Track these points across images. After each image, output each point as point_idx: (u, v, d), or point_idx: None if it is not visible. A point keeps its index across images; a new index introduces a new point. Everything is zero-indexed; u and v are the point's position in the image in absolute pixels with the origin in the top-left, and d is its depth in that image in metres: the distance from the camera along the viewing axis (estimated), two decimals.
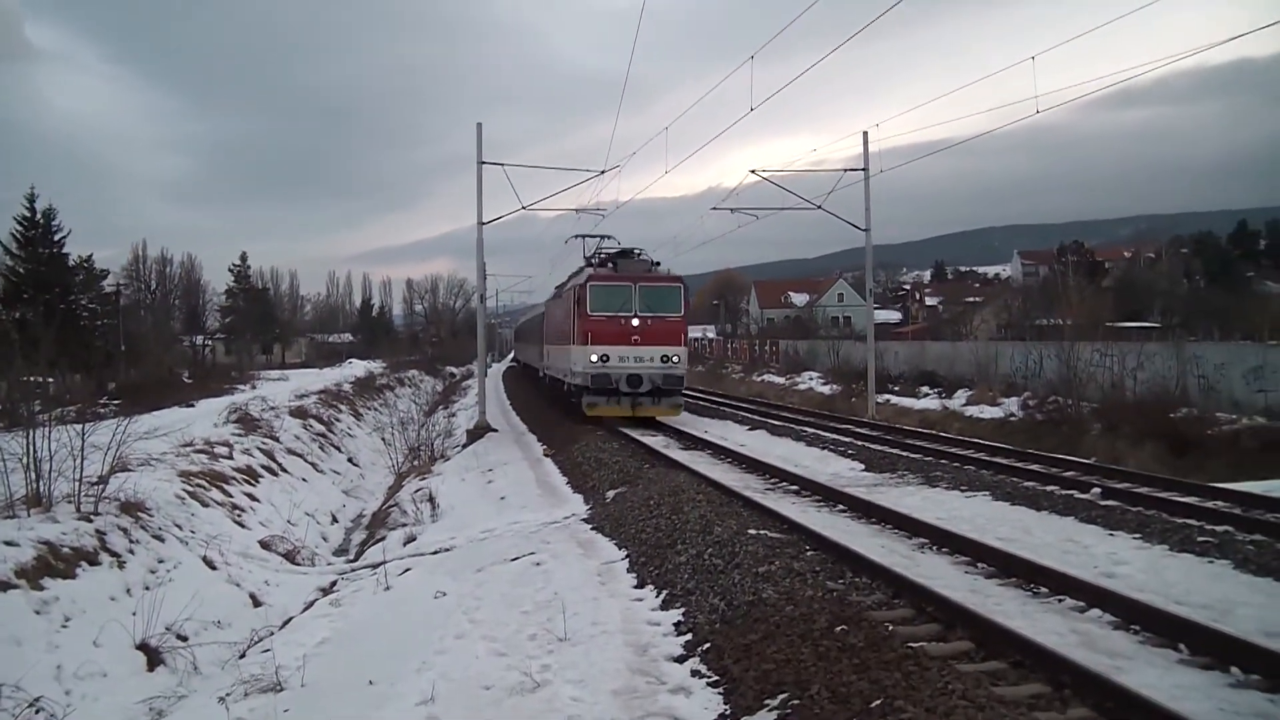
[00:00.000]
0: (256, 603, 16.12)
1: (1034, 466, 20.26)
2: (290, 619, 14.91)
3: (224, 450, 25.74)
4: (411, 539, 19.75)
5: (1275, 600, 10.22)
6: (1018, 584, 11.04)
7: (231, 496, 22.15)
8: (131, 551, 15.26)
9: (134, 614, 13.19)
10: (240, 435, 29.22)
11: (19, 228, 64.74)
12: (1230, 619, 9.36)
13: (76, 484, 15.93)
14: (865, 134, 36.29)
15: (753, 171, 36.33)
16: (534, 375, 56.09)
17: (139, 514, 16.55)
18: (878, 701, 7.39)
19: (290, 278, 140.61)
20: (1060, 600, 10.33)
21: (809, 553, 12.42)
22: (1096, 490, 16.55)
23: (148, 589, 14.36)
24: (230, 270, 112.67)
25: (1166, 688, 7.56)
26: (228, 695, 10.71)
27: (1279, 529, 13.21)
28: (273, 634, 13.70)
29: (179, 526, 17.43)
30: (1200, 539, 12.89)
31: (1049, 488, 17.46)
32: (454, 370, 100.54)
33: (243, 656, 12.97)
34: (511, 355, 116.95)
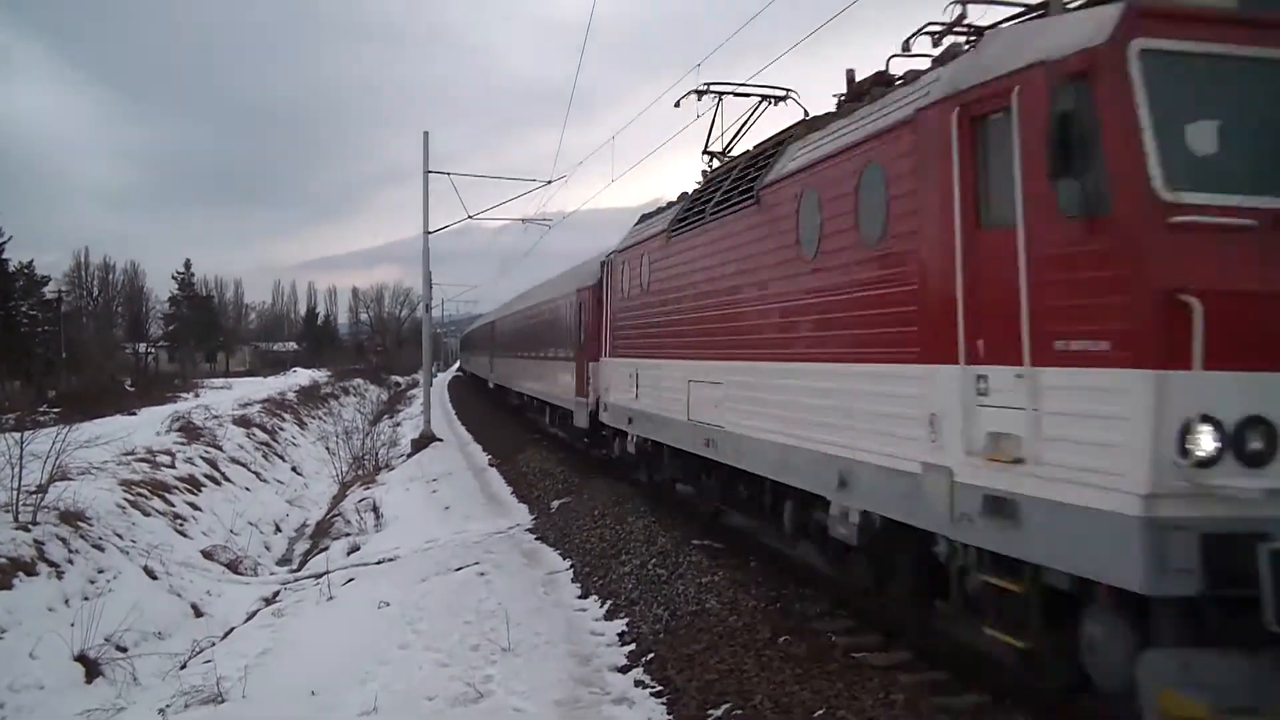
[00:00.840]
0: (198, 613, 15.89)
1: None
2: (232, 629, 14.70)
3: (166, 459, 25.32)
4: (355, 549, 19.56)
5: None
6: None
7: (173, 506, 21.81)
8: (70, 561, 14.97)
9: (72, 625, 12.94)
10: (183, 444, 28.76)
11: None
12: None
13: (14, 493, 15.62)
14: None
15: (699, 182, 36.38)
16: (482, 385, 54.99)
17: (78, 523, 16.24)
18: (821, 711, 7.45)
19: (235, 285, 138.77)
20: None
21: (752, 563, 12.49)
22: None
23: (87, 599, 14.10)
24: (174, 277, 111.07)
25: None
26: (168, 707, 10.55)
27: None
28: (214, 644, 13.53)
29: (119, 536, 17.12)
30: None
31: None
32: (399, 379, 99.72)
33: (184, 667, 12.77)
34: (458, 365, 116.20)
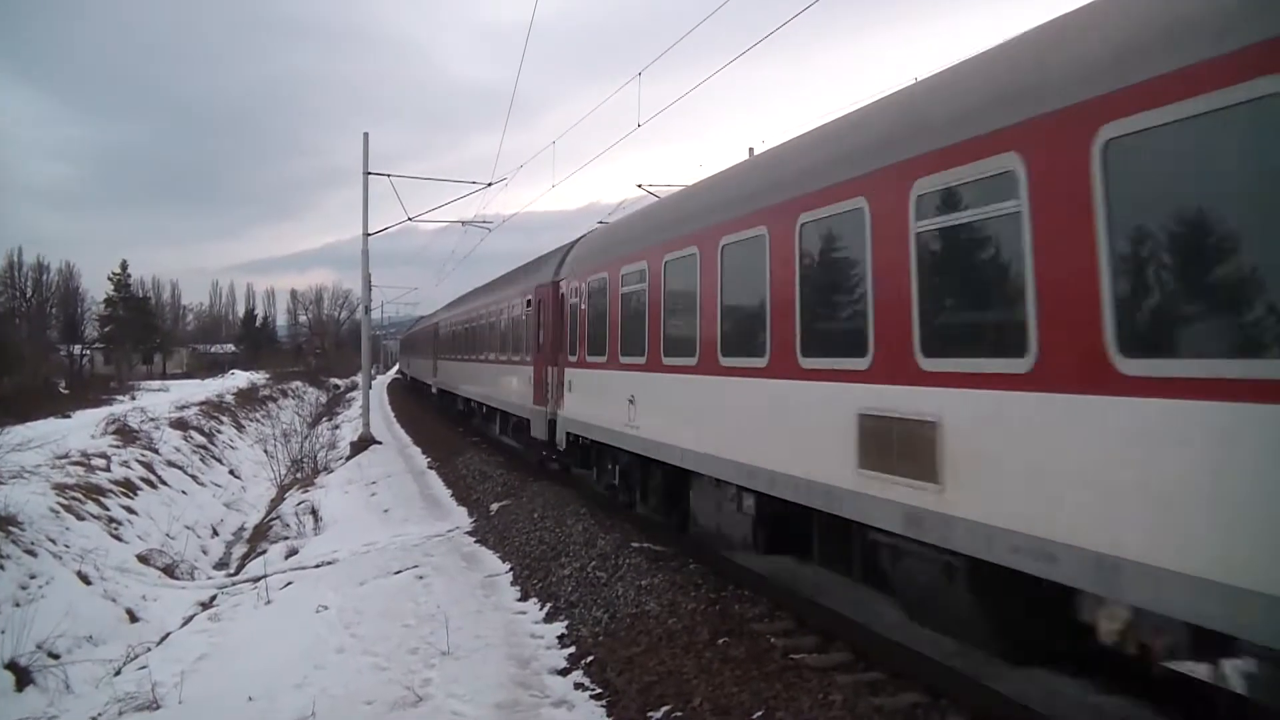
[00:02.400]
0: (133, 618, 15.54)
1: None
2: (168, 634, 14.40)
3: (101, 462, 24.79)
4: (293, 552, 19.27)
5: None
6: None
7: (108, 510, 21.34)
8: (1, 567, 14.59)
9: (3, 632, 12.61)
10: (118, 447, 28.18)
11: None
12: None
13: None
14: (750, 150, 36.60)
15: (639, 186, 36.37)
16: (424, 389, 54.18)
17: (10, 528, 15.84)
18: (759, 713, 7.45)
19: (172, 287, 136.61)
20: None
21: (692, 565, 12.48)
22: None
23: (18, 605, 13.74)
24: (110, 279, 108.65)
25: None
26: (101, 714, 10.32)
27: None
28: (150, 650, 13.25)
29: (53, 541, 16.73)
30: None
31: None
32: (338, 382, 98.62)
33: (118, 674, 12.48)
34: (396, 368, 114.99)
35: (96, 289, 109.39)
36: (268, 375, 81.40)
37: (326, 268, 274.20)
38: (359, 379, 46.67)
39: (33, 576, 14.93)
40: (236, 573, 19.93)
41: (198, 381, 75.29)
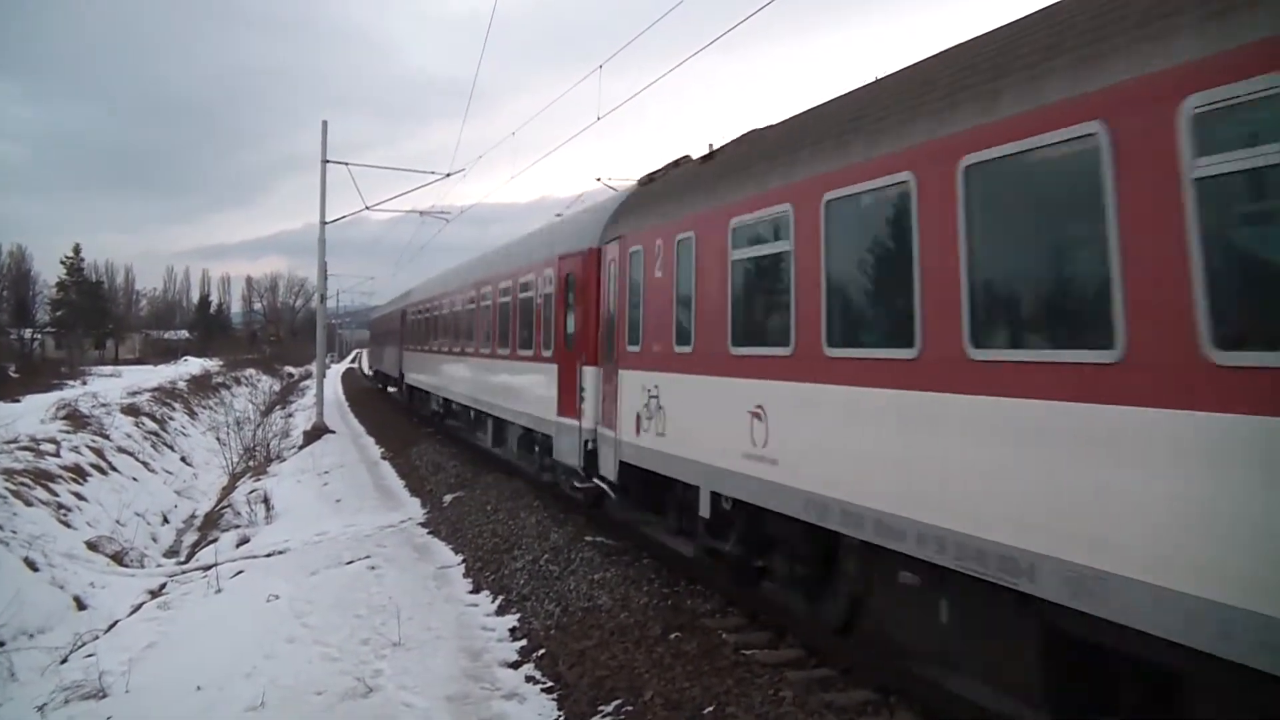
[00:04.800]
0: (81, 606, 15.19)
1: None
2: (116, 622, 14.09)
3: (50, 448, 24.29)
4: (245, 541, 19.00)
5: None
6: None
7: (57, 495, 20.90)
8: None
9: None
10: (69, 432, 27.63)
11: None
12: None
13: None
14: (710, 146, 36.44)
15: (598, 179, 36.13)
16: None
17: None
18: (710, 708, 7.42)
19: (126, 272, 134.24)
20: None
21: (645, 559, 12.44)
22: None
23: None
24: (63, 262, 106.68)
25: None
26: (46, 704, 10.07)
27: None
28: (97, 638, 12.96)
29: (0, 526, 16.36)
30: None
31: None
32: (292, 370, 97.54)
33: (64, 662, 12.18)
34: (352, 356, 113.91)
35: (49, 272, 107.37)
36: (221, 362, 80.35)
37: (279, 255, 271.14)
38: (314, 367, 46.02)
39: None
40: (187, 561, 19.61)
41: (150, 367, 74.10)
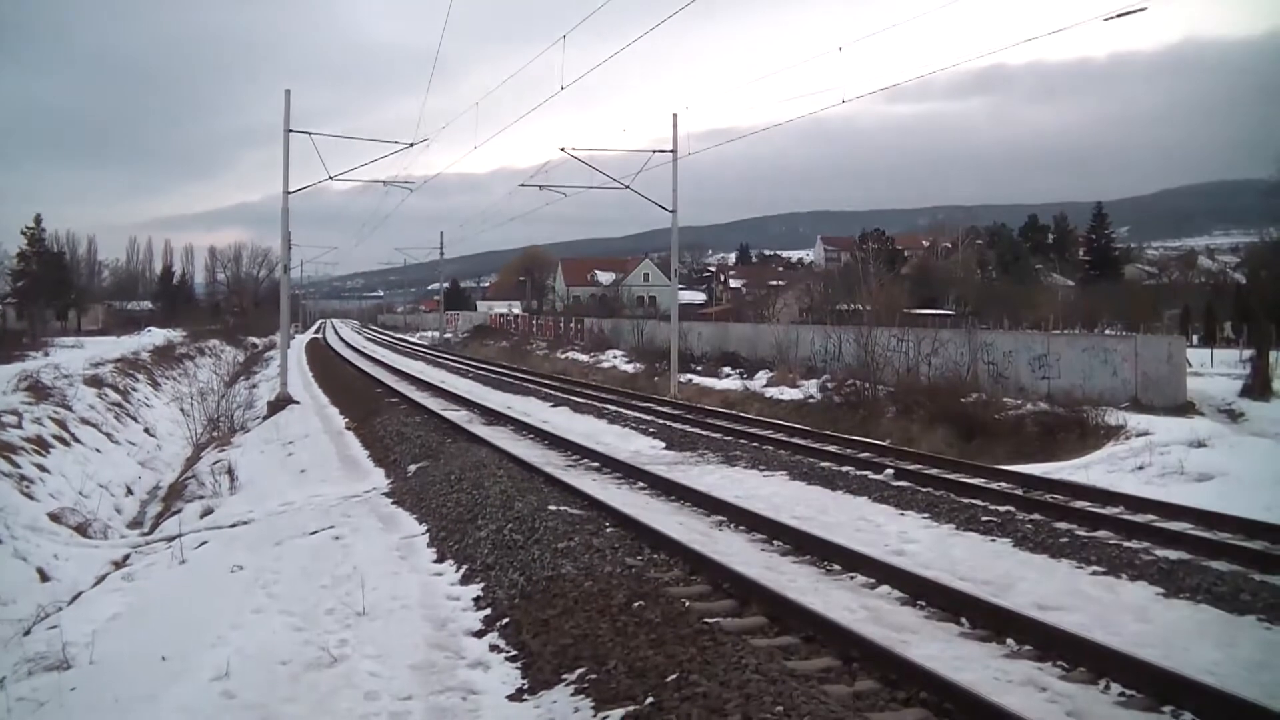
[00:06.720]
0: (44, 577, 15.05)
1: (831, 448, 20.29)
2: (80, 594, 13.95)
3: (12, 419, 23.92)
4: (209, 511, 18.85)
5: (1048, 576, 10.74)
6: (812, 561, 11.29)
7: (19, 467, 20.61)
8: None
9: None
10: (30, 404, 27.20)
11: None
12: (1009, 594, 9.85)
13: None
14: (675, 116, 35.99)
15: (562, 149, 35.84)
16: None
17: None
18: (673, 675, 7.46)
19: (88, 242, 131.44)
20: (852, 577, 10.60)
21: (608, 529, 12.45)
22: (889, 471, 16.79)
23: None
24: (23, 233, 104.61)
25: (948, 659, 7.92)
26: (8, 675, 9.97)
27: (1055, 509, 13.81)
28: (61, 610, 12.82)
29: None
30: (984, 518, 13.30)
31: (844, 468, 17.59)
32: (256, 341, 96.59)
33: (27, 634, 12.04)
34: (316, 327, 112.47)
35: (10, 242, 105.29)
36: (185, 333, 79.28)
37: (239, 226, 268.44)
38: (278, 338, 45.47)
39: None
40: (151, 532, 19.46)
41: (113, 339, 72.89)
